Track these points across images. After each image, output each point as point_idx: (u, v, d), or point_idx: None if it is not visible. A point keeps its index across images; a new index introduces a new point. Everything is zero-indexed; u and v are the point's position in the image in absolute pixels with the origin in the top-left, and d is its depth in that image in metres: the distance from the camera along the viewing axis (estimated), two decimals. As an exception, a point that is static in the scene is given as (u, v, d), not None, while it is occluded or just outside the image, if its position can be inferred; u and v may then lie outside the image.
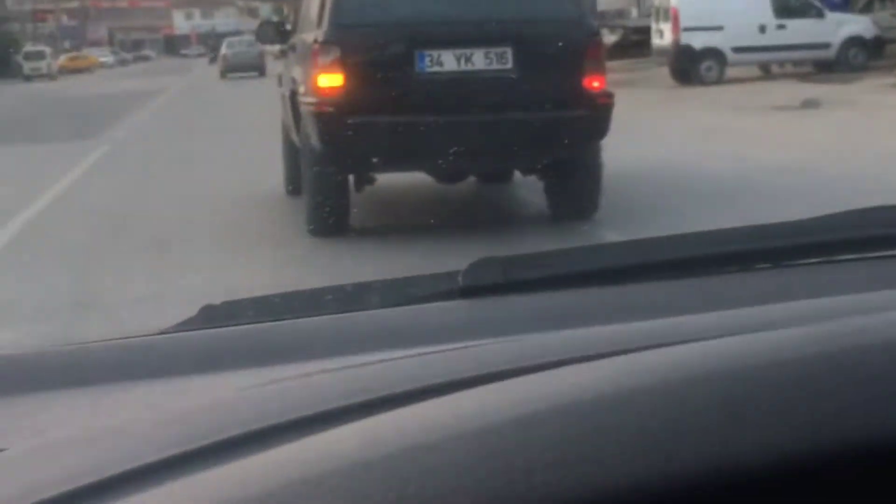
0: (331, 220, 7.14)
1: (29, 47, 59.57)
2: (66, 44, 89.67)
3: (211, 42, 75.12)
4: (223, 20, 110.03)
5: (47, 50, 58.97)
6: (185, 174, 10.98)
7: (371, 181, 7.64)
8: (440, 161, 7.24)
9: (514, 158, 7.46)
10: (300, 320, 1.15)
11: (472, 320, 1.11)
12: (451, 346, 0.93)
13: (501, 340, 0.93)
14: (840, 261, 1.21)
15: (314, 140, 7.00)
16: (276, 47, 9.48)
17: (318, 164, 7.06)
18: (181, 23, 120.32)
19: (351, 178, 7.43)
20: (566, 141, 7.04)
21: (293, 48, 8.32)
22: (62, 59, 67.79)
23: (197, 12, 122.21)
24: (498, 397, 0.66)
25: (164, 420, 0.81)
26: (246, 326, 1.15)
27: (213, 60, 52.49)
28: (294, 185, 8.51)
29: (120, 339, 1.16)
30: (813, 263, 1.21)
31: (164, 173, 11.23)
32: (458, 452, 0.59)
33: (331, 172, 7.06)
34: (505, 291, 1.16)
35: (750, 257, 1.21)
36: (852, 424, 0.60)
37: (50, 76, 54.14)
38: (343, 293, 1.27)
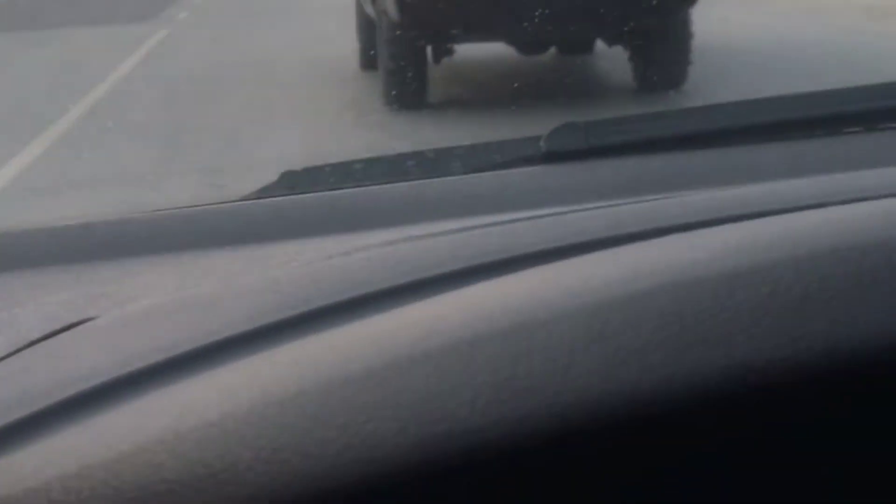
0: (408, 91, 7.00)
1: None
2: None
3: None
4: None
5: None
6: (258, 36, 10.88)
7: (450, 52, 7.44)
8: (525, 30, 7.02)
9: (600, 25, 7.21)
10: (382, 186, 1.15)
11: (556, 186, 1.11)
12: (534, 212, 0.91)
13: (588, 207, 0.90)
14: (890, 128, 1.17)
15: (391, 8, 6.81)
16: None
17: (395, 34, 6.89)
18: None
19: (429, 48, 7.24)
20: (654, 9, 6.77)
21: None
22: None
23: None
24: (601, 270, 0.62)
25: (252, 289, 0.79)
26: (327, 193, 1.15)
27: None
28: (368, 59, 8.34)
29: (203, 205, 1.16)
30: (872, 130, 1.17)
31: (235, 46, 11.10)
32: (566, 330, 0.55)
33: (408, 42, 6.89)
34: (588, 156, 1.15)
35: (836, 121, 1.19)
36: None
37: None
38: (425, 159, 1.27)
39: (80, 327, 0.80)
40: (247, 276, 0.91)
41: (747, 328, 0.54)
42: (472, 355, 0.55)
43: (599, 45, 8.04)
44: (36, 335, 0.79)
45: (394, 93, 7.06)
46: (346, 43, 9.00)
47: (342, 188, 1.16)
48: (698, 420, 0.53)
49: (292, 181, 1.20)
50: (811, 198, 0.76)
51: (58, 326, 0.80)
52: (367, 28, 8.25)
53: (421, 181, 1.18)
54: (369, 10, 7.83)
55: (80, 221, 1.13)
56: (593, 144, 1.15)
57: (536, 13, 6.66)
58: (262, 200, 1.15)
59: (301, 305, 0.70)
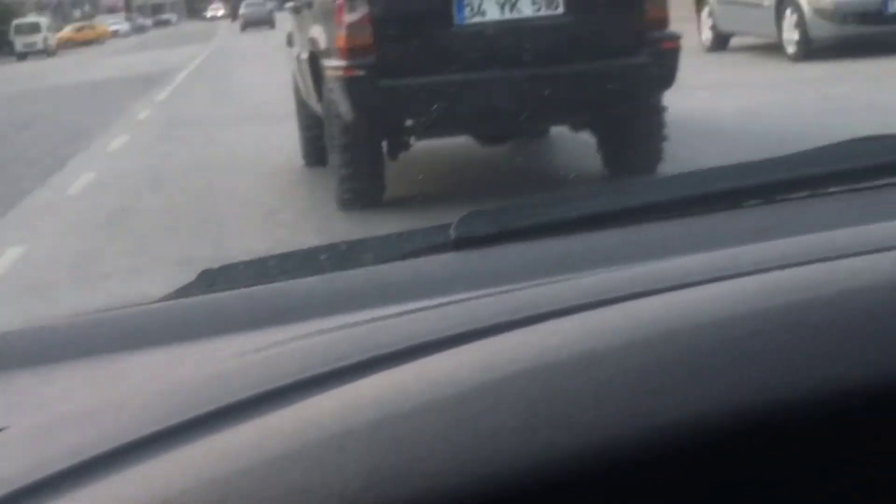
0: (363, 192, 6.98)
1: (21, 19, 56.19)
2: (77, 12, 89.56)
3: (233, 3, 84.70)
4: None
5: (43, 21, 55.95)
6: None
7: (406, 147, 7.43)
8: (484, 122, 7.04)
9: (567, 114, 7.29)
10: (297, 281, 1.23)
11: (466, 272, 1.17)
12: (444, 299, 0.98)
13: (494, 292, 0.97)
14: (831, 193, 1.26)
15: (342, 108, 6.86)
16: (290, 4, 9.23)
17: (347, 134, 6.92)
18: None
19: (384, 144, 7.25)
20: (626, 93, 6.87)
21: (309, 5, 8.12)
22: (67, 30, 67.04)
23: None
24: (483, 355, 0.71)
25: (163, 390, 0.86)
26: (244, 290, 1.22)
27: (234, 19, 69.33)
28: (313, 156, 8.37)
29: (120, 308, 1.24)
30: (804, 197, 1.26)
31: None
32: (427, 421, 0.64)
33: (362, 141, 6.88)
34: (498, 241, 1.22)
35: (741, 195, 1.27)
36: (851, 366, 0.63)
37: (47, 52, 51.98)
38: (337, 251, 1.35)
39: None
40: (160, 377, 0.98)
41: (591, 410, 0.62)
42: (343, 448, 0.63)
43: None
44: None
45: (348, 195, 7.04)
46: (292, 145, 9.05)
47: (258, 284, 1.23)
48: (550, 501, 0.61)
49: (210, 279, 1.29)
50: (700, 273, 0.84)
51: None
52: (312, 125, 8.26)
53: (334, 274, 1.25)
54: (315, 105, 7.82)
55: None
56: (502, 229, 1.23)
57: (498, 107, 6.67)
58: (180, 301, 1.24)
59: (210, 404, 0.76)
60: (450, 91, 6.63)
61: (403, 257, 1.26)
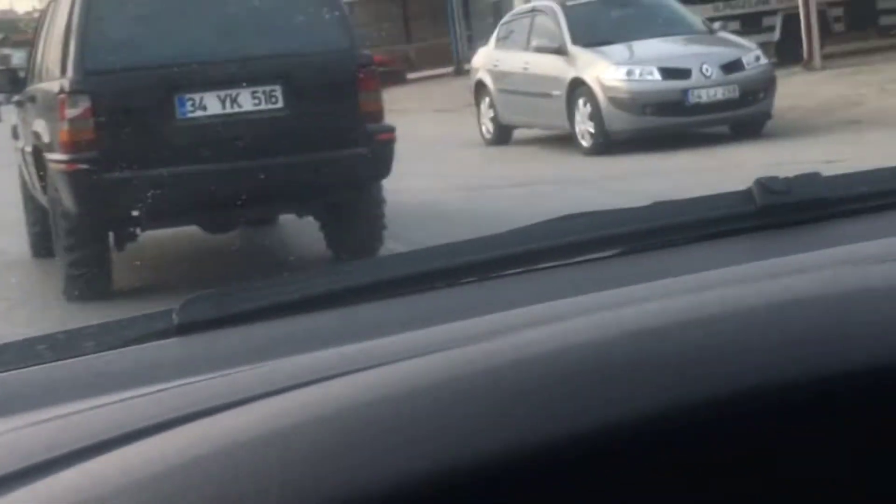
0: (90, 283, 7.16)
1: None
2: None
3: None
4: None
5: None
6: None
7: (133, 237, 7.67)
8: (208, 213, 7.36)
9: (288, 204, 7.67)
10: (13, 373, 1.20)
11: (190, 357, 1.19)
12: (165, 385, 1.02)
13: (214, 376, 1.02)
14: (542, 269, 1.37)
15: (66, 201, 7.04)
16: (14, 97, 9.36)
17: (72, 227, 7.11)
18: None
19: (110, 235, 7.46)
20: (344, 182, 7.30)
21: (32, 99, 8.34)
22: None
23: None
24: (191, 438, 0.77)
25: None
26: None
27: None
28: (41, 248, 8.48)
29: None
30: (515, 273, 1.37)
31: None
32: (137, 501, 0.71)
33: (88, 234, 7.08)
34: (221, 325, 1.25)
35: (456, 273, 1.36)
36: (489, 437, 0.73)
37: None
38: (55, 341, 1.33)
39: None
40: None
41: (280, 486, 0.70)
42: None
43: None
44: None
45: (75, 286, 7.20)
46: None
47: None
48: None
49: None
50: (410, 350, 0.94)
51: None
52: (39, 217, 8.41)
53: (53, 364, 1.23)
54: (41, 198, 7.98)
55: None
56: (225, 313, 1.26)
57: (221, 198, 7.05)
58: None
59: None
60: (173, 183, 6.92)
61: (126, 344, 1.26)
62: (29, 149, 8.23)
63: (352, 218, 7.62)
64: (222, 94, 7.14)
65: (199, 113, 7.13)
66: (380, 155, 7.36)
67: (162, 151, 6.97)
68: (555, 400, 0.74)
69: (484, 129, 15.42)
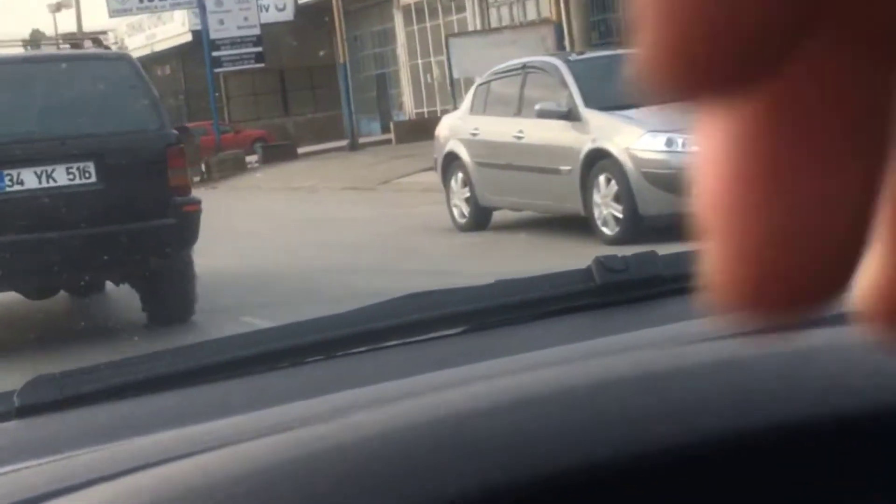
0: None
1: None
2: None
3: None
4: None
5: None
6: None
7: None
8: (27, 279, 8.57)
9: (103, 271, 8.96)
10: None
11: (30, 440, 1.26)
12: (5, 468, 1.07)
13: (55, 459, 1.07)
14: (388, 346, 1.52)
15: None
16: None
17: None
18: None
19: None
20: (154, 251, 8.56)
21: None
22: None
23: None
24: None
25: None
26: None
27: None
28: None
29: None
30: (360, 352, 1.51)
31: None
32: None
33: None
34: (63, 407, 1.32)
35: (303, 352, 1.48)
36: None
37: None
38: None
39: None
40: None
41: None
42: None
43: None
44: None
45: None
46: None
47: None
48: None
49: None
50: (247, 432, 1.01)
51: None
52: None
53: None
54: None
55: None
56: (68, 395, 1.33)
57: (37, 266, 8.27)
58: None
59: None
60: None
61: None
62: None
63: (163, 285, 8.86)
64: (39, 169, 8.37)
65: (17, 187, 8.34)
66: (187, 224, 8.64)
67: None
68: (388, 479, 0.80)
69: (456, 211, 13.37)
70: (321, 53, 37.33)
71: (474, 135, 12.97)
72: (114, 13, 37.47)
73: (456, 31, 24.47)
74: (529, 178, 11.88)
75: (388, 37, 39.83)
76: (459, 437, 0.84)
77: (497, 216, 13.10)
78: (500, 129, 12.48)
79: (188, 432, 1.11)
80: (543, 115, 11.65)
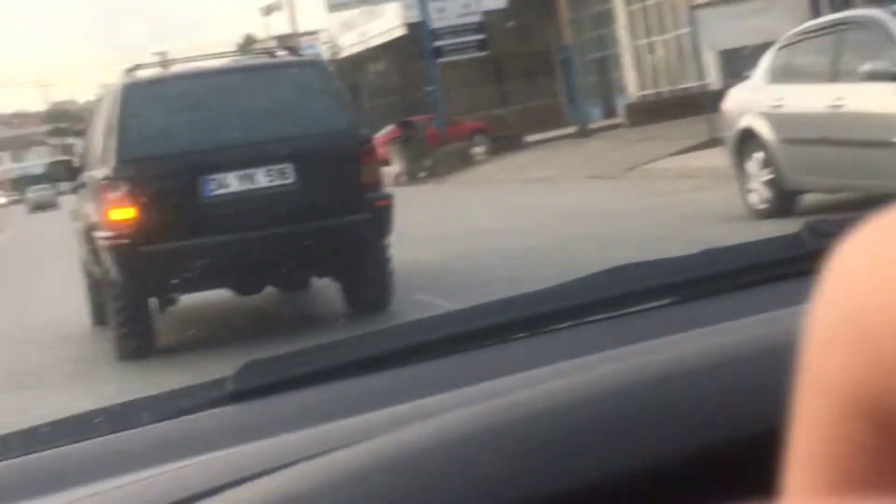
0: (136, 343, 9.34)
1: None
2: None
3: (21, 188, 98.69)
4: (36, 160, 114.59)
5: None
6: None
7: (173, 301, 9.93)
8: (235, 277, 9.56)
9: (304, 267, 9.87)
10: (71, 446, 1.34)
11: (245, 424, 1.34)
12: (223, 452, 1.16)
13: (268, 442, 1.16)
14: (593, 321, 1.53)
15: (112, 271, 9.24)
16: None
17: (118, 293, 9.32)
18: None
19: (154, 300, 9.67)
20: (351, 245, 9.41)
21: (83, 185, 10.75)
22: None
23: (5, 156, 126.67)
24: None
25: None
26: (16, 461, 1.33)
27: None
28: (98, 316, 10.84)
29: None
30: (568, 327, 1.53)
31: None
32: None
33: (131, 299, 9.28)
34: (274, 391, 1.41)
35: (509, 328, 1.52)
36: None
37: None
38: (111, 414, 1.46)
39: None
40: None
41: None
42: None
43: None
44: None
45: (123, 347, 9.39)
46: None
47: (31, 453, 1.34)
48: None
49: None
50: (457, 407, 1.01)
51: None
52: (95, 287, 10.70)
53: (110, 436, 1.36)
54: (95, 272, 10.25)
55: None
56: (279, 378, 1.43)
57: (243, 264, 9.24)
58: None
59: None
60: (201, 252, 9.06)
61: (180, 414, 1.39)
62: (82, 228, 10.56)
63: (362, 276, 9.73)
64: (241, 173, 9.29)
65: (222, 190, 9.28)
66: (381, 218, 9.47)
67: (191, 225, 9.13)
68: (592, 441, 0.81)
69: (755, 196, 12.05)
70: (539, 39, 37.64)
71: (777, 107, 11.56)
72: (333, 7, 38.57)
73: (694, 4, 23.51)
74: (850, 154, 10.53)
75: (607, 18, 40.09)
76: (666, 399, 0.85)
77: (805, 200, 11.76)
78: (812, 98, 11.08)
79: (397, 411, 1.18)
80: (874, 77, 10.27)
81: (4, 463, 1.32)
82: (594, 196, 18.31)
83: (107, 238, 9.28)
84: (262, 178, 9.38)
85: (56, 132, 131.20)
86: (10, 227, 48.58)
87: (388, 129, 40.09)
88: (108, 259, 9.33)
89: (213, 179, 9.30)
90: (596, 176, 21.93)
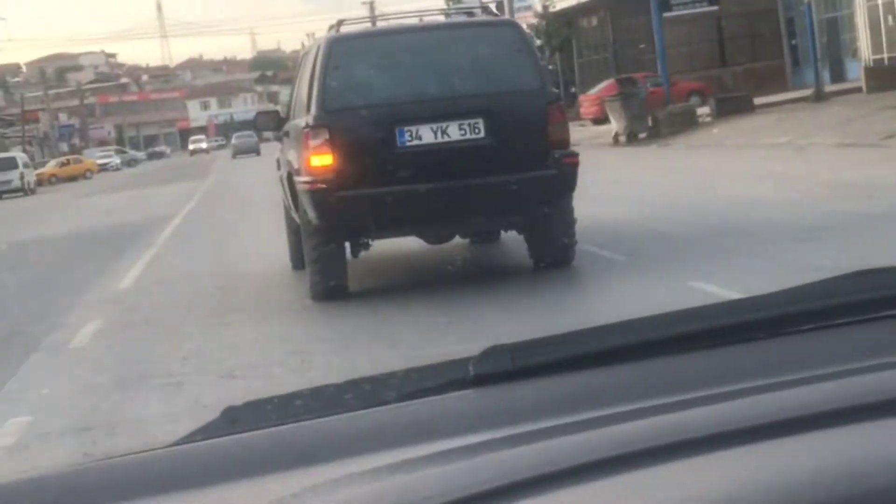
0: (331, 286, 10.29)
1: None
2: (64, 146, 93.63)
3: (226, 133, 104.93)
4: (241, 107, 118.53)
5: (20, 156, 58.46)
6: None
7: (366, 247, 10.89)
8: (424, 225, 10.45)
9: (491, 218, 10.67)
10: (322, 420, 1.46)
11: (486, 409, 1.43)
12: (468, 438, 1.27)
13: (516, 432, 1.25)
14: (841, 325, 1.57)
15: (310, 215, 10.18)
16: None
17: (315, 237, 10.26)
18: (197, 114, 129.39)
19: (347, 245, 10.61)
20: (537, 199, 10.18)
21: (287, 134, 11.69)
22: (50, 165, 71.70)
23: (213, 101, 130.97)
24: None
25: None
26: (269, 430, 1.45)
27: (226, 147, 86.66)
28: (297, 261, 11.82)
29: (137, 452, 1.43)
30: (813, 329, 1.57)
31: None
32: None
33: (327, 243, 10.20)
34: (515, 378, 1.48)
35: (750, 328, 1.56)
36: None
37: (25, 190, 53.65)
38: (361, 390, 1.58)
39: None
40: None
41: None
42: None
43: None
44: None
45: (318, 288, 10.32)
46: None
47: (283, 424, 1.45)
48: None
49: (234, 416, 1.52)
50: (726, 413, 1.15)
51: None
52: (295, 233, 11.70)
53: (358, 412, 1.47)
54: (294, 216, 11.22)
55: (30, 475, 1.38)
56: (520, 366, 1.49)
57: (434, 213, 10.07)
58: (202, 443, 1.44)
59: None
60: (394, 200, 9.90)
61: (424, 394, 1.49)
62: (284, 175, 11.54)
63: (547, 230, 10.48)
64: (434, 126, 10.07)
65: (416, 142, 10.08)
66: (566, 175, 10.17)
67: (384, 174, 9.95)
68: None
69: None
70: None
71: None
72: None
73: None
74: None
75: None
76: None
77: None
78: None
79: (645, 408, 1.26)
80: None
81: (255, 433, 1.43)
82: (860, 167, 17.12)
83: (306, 182, 10.18)
84: (454, 132, 10.14)
85: (262, 79, 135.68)
86: (214, 172, 50.69)
87: (603, 85, 40.25)
88: (306, 202, 10.23)
89: (407, 131, 10.09)
90: (849, 143, 20.91)
